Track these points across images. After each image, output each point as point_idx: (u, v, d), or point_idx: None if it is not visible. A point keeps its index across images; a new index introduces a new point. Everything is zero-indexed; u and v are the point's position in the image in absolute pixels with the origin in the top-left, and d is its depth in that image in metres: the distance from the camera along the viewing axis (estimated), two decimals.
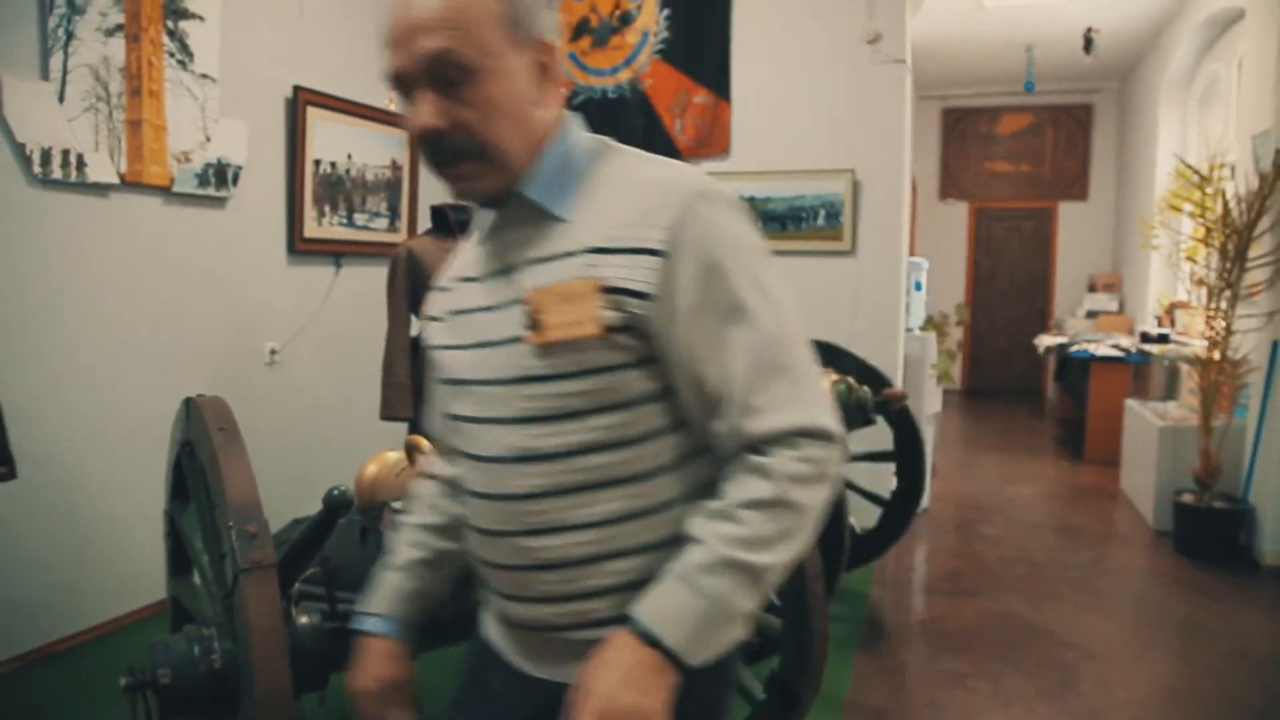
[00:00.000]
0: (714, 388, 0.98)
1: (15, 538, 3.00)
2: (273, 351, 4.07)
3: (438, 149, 1.00)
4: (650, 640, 0.91)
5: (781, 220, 4.44)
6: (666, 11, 4.56)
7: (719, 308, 0.97)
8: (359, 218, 4.51)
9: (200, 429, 1.89)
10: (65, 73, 3.11)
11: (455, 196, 1.06)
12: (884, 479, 3.77)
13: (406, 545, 1.26)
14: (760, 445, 0.96)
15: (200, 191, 3.64)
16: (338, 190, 4.35)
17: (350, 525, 2.41)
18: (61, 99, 3.10)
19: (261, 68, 3.89)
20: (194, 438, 1.98)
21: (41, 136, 3.05)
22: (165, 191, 3.51)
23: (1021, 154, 9.47)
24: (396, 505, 2.08)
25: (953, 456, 6.74)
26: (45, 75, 3.06)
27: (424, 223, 4.94)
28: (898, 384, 4.43)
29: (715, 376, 0.97)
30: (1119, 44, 7.39)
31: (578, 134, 1.08)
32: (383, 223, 4.66)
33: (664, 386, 1.01)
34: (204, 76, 3.61)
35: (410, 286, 3.48)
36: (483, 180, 1.02)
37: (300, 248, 4.16)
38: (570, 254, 1.00)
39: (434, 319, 1.18)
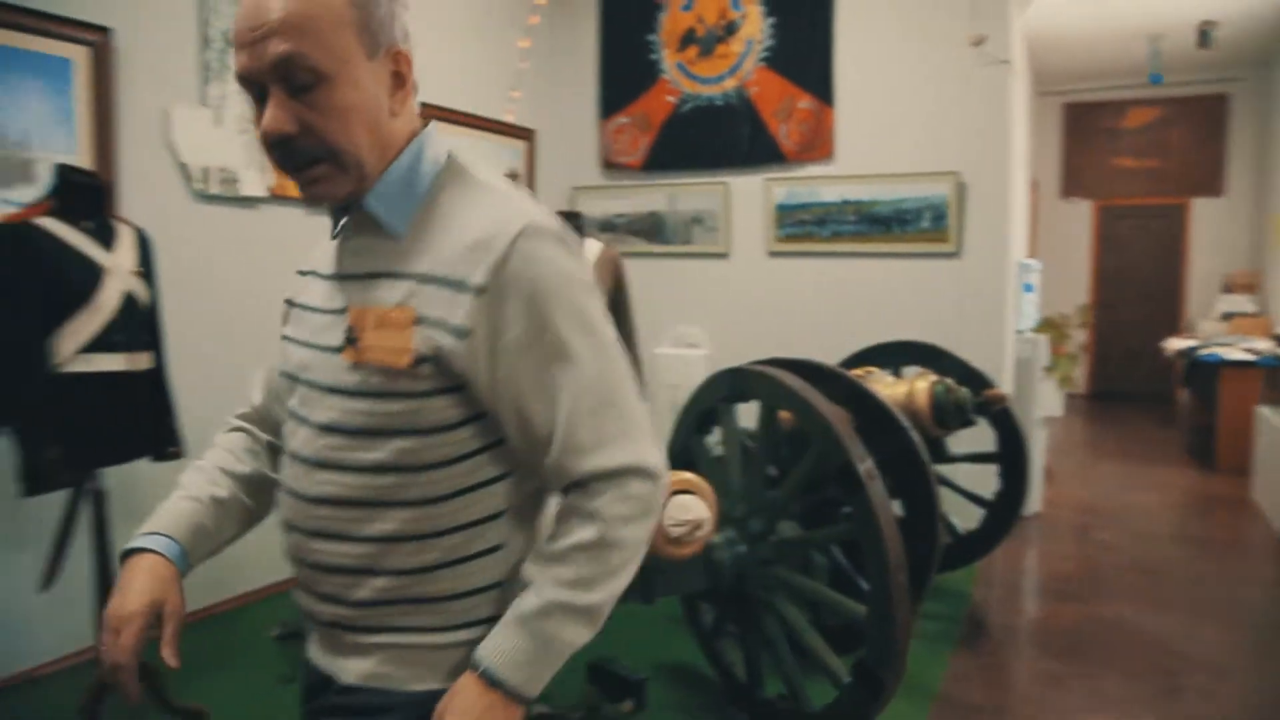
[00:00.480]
0: (541, 426, 1.00)
1: None
2: None
3: (286, 153, 0.99)
4: (495, 683, 0.98)
5: (886, 223, 4.47)
6: (771, 20, 4.66)
7: (544, 347, 0.99)
8: None
9: None
10: (223, 99, 3.47)
11: (307, 201, 1.05)
12: (988, 480, 3.76)
13: (206, 481, 1.18)
14: (588, 483, 1.01)
15: None
16: None
17: None
18: (218, 122, 3.46)
19: None
20: None
21: (201, 157, 3.42)
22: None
23: (1148, 149, 9.07)
24: None
25: (1072, 461, 6.56)
26: (205, 102, 3.42)
27: None
28: (1005, 387, 4.40)
29: (541, 414, 1.00)
30: (1251, 32, 7.03)
31: (432, 149, 1.08)
32: None
33: (464, 416, 1.02)
34: None
35: None
36: (334, 184, 1.01)
37: None
38: (398, 275, 1.02)
39: (287, 302, 1.19)
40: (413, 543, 1.03)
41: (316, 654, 1.13)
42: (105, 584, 2.61)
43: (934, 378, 3.42)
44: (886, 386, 3.45)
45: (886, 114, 4.48)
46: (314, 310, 1.10)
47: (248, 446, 1.24)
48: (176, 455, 2.77)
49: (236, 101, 3.51)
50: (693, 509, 1.93)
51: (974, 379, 3.58)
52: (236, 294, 3.58)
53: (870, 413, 2.98)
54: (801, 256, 4.73)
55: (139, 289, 2.60)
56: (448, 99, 4.50)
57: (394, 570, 1.03)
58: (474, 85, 4.70)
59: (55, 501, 2.55)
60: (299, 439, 1.08)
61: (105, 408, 2.52)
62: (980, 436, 3.70)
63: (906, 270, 4.47)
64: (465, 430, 1.02)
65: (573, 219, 3.78)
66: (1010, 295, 4.43)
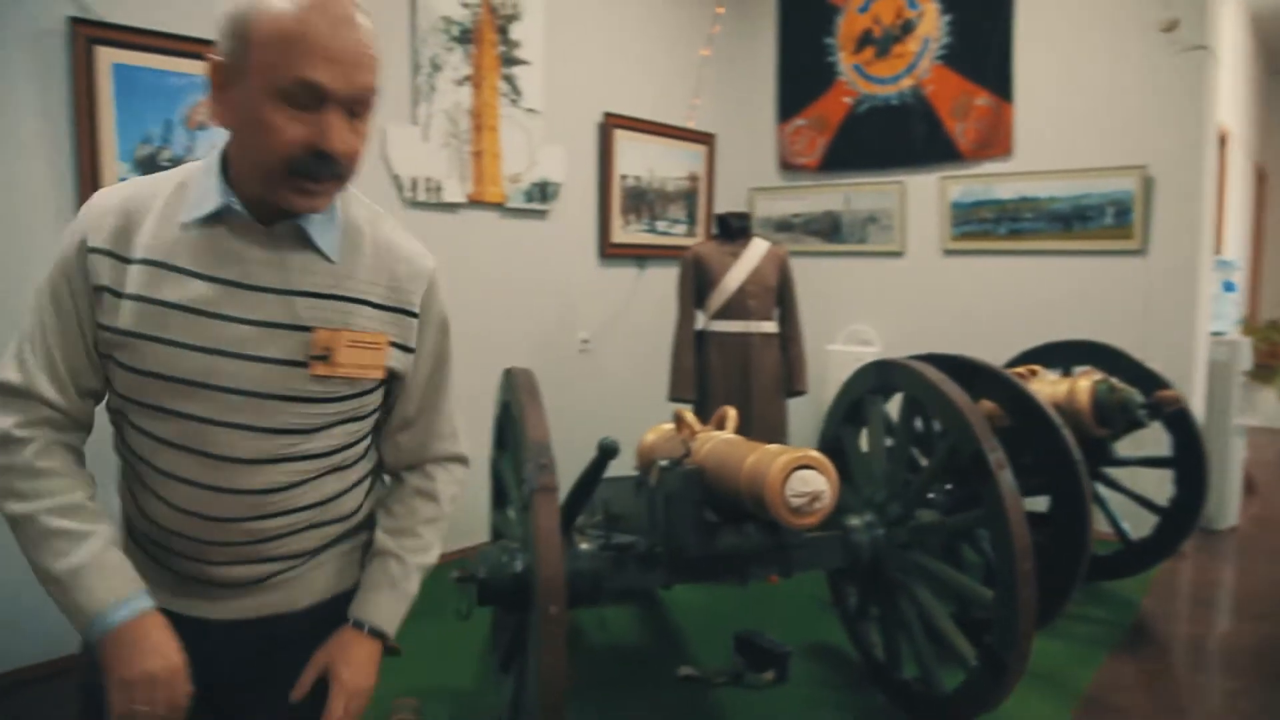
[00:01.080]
0: (417, 414, 1.32)
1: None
2: (584, 340, 4.75)
3: (325, 166, 1.07)
4: (378, 635, 1.30)
5: (1066, 220, 4.35)
6: (948, 17, 4.64)
7: (441, 360, 1.32)
8: (660, 224, 5.08)
9: (513, 391, 2.46)
10: (429, 118, 3.94)
11: (296, 208, 1.11)
12: (1163, 486, 3.61)
13: (105, 525, 1.15)
14: (428, 464, 1.36)
15: (527, 206, 4.38)
16: (641, 201, 4.95)
17: (629, 480, 2.91)
18: (425, 138, 3.94)
19: (577, 99, 4.57)
20: (509, 398, 2.58)
21: (410, 168, 3.90)
22: (500, 207, 4.28)
23: None
24: (664, 463, 2.50)
25: None
26: (414, 121, 3.90)
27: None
28: (1196, 391, 4.17)
29: (426, 407, 1.32)
30: None
31: None
32: (681, 229, 5.19)
33: (381, 398, 1.27)
34: (530, 110, 4.33)
35: (695, 286, 3.95)
36: (329, 199, 1.13)
37: (609, 252, 4.80)
38: (348, 299, 1.17)
39: (125, 296, 1.12)
40: (342, 496, 1.29)
41: (217, 611, 1.25)
42: None
43: (1098, 376, 3.36)
44: (1048, 385, 3.42)
45: (1068, 107, 4.36)
46: (217, 317, 1.12)
47: (79, 462, 1.20)
48: None
49: (440, 120, 3.98)
50: (812, 482, 2.09)
51: (1148, 380, 3.47)
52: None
53: (1023, 409, 3.00)
54: (977, 255, 4.68)
55: None
56: (633, 108, 4.82)
57: (332, 519, 1.29)
58: (657, 94, 4.99)
59: None
60: (224, 442, 1.14)
61: None
62: (1155, 440, 3.57)
63: (1087, 269, 4.33)
64: (378, 407, 1.29)
65: (741, 219, 3.98)
66: (1202, 295, 4.19)
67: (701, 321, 3.98)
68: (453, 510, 1.39)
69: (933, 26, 4.70)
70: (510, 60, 4.22)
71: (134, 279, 1.11)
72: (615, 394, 4.82)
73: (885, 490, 2.75)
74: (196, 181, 1.15)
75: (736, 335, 3.86)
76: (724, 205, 5.43)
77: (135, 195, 1.15)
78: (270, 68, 1.03)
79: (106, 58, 3.01)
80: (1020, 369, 3.53)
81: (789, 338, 4.01)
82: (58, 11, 2.91)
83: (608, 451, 2.32)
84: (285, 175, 1.06)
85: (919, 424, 3.10)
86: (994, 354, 3.91)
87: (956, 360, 3.19)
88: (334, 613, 1.30)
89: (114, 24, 3.01)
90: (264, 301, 1.13)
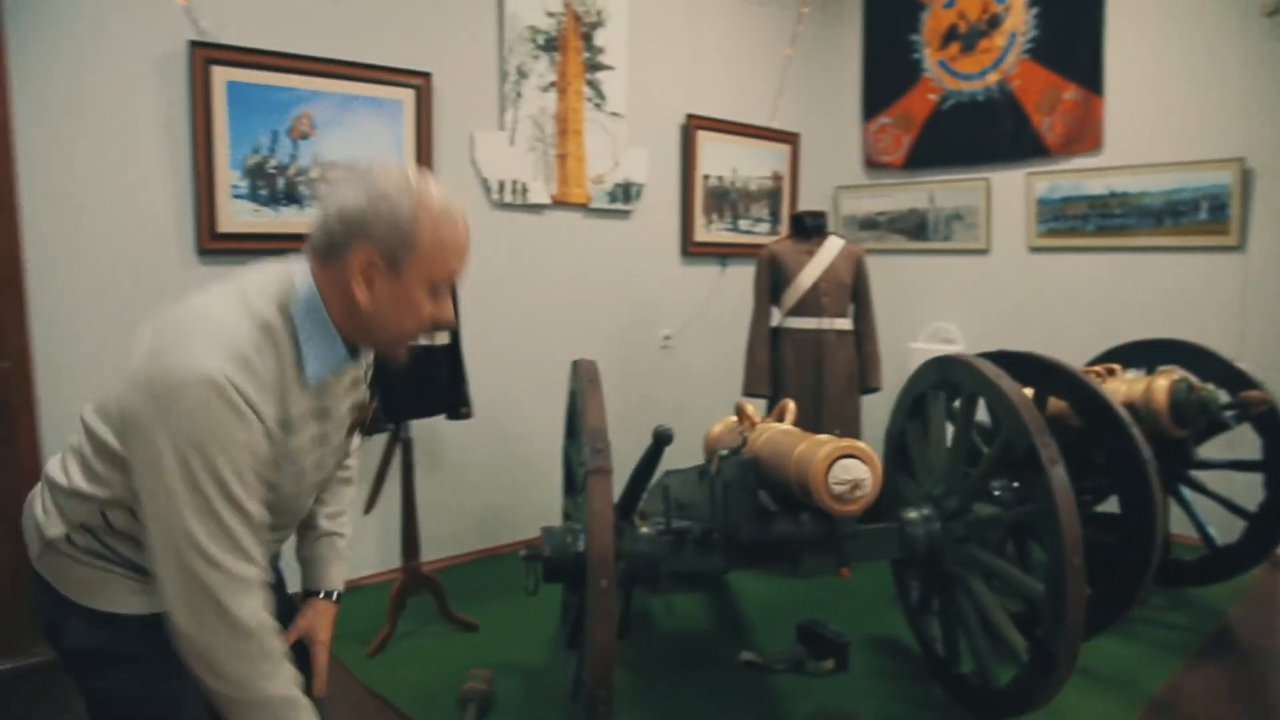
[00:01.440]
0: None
1: (473, 461, 4.09)
2: (666, 337, 4.88)
3: (433, 331, 1.41)
4: (338, 599, 1.72)
5: (1158, 215, 4.22)
6: (1035, 10, 4.56)
7: None
8: (743, 223, 5.16)
9: (578, 381, 2.61)
10: (515, 123, 4.14)
11: (393, 359, 1.41)
12: (1256, 491, 3.49)
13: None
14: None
15: (610, 206, 4.53)
16: (724, 200, 5.04)
17: (694, 469, 3.02)
18: (512, 142, 4.14)
19: (659, 102, 4.70)
20: (575, 388, 2.73)
21: (498, 171, 4.11)
22: (584, 208, 4.45)
23: None
24: (723, 452, 2.61)
25: None
26: (501, 126, 4.11)
27: None
28: None
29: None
30: None
31: None
32: (764, 227, 5.26)
33: None
34: (614, 114, 4.48)
35: (771, 283, 4.03)
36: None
37: (691, 250, 4.92)
38: (361, 382, 1.59)
39: (275, 454, 1.33)
40: None
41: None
42: (410, 512, 3.31)
43: (1178, 375, 3.28)
44: (1125, 384, 3.36)
45: (1161, 99, 4.23)
46: (326, 442, 1.46)
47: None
48: (467, 415, 3.42)
49: (526, 125, 4.17)
50: (854, 470, 2.16)
51: (1236, 380, 3.37)
52: (523, 284, 4.25)
53: (1092, 408, 2.97)
54: (1064, 252, 4.59)
55: None
56: (715, 109, 4.92)
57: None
58: (740, 94, 5.08)
59: (375, 446, 3.29)
60: (287, 509, 1.46)
61: (411, 374, 3.19)
62: (1244, 442, 3.46)
63: (1180, 266, 4.19)
64: None
65: (816, 217, 4.03)
66: None
67: (777, 318, 4.05)
68: None
69: (1019, 20, 4.63)
70: (594, 66, 4.39)
71: (275, 436, 1.29)
72: (695, 389, 4.93)
73: (944, 484, 2.77)
74: (307, 340, 1.31)
75: (810, 332, 3.92)
76: (808, 204, 5.47)
77: (252, 363, 1.23)
78: (428, 269, 1.30)
79: (221, 76, 3.30)
80: (1097, 368, 3.48)
81: (864, 334, 4.03)
82: (180, 36, 3.22)
83: (662, 438, 2.45)
84: (410, 340, 1.37)
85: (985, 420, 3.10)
86: (1081, 353, 3.87)
87: (1026, 357, 3.17)
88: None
89: (228, 45, 3.30)
90: (344, 409, 1.50)
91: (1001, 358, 3.27)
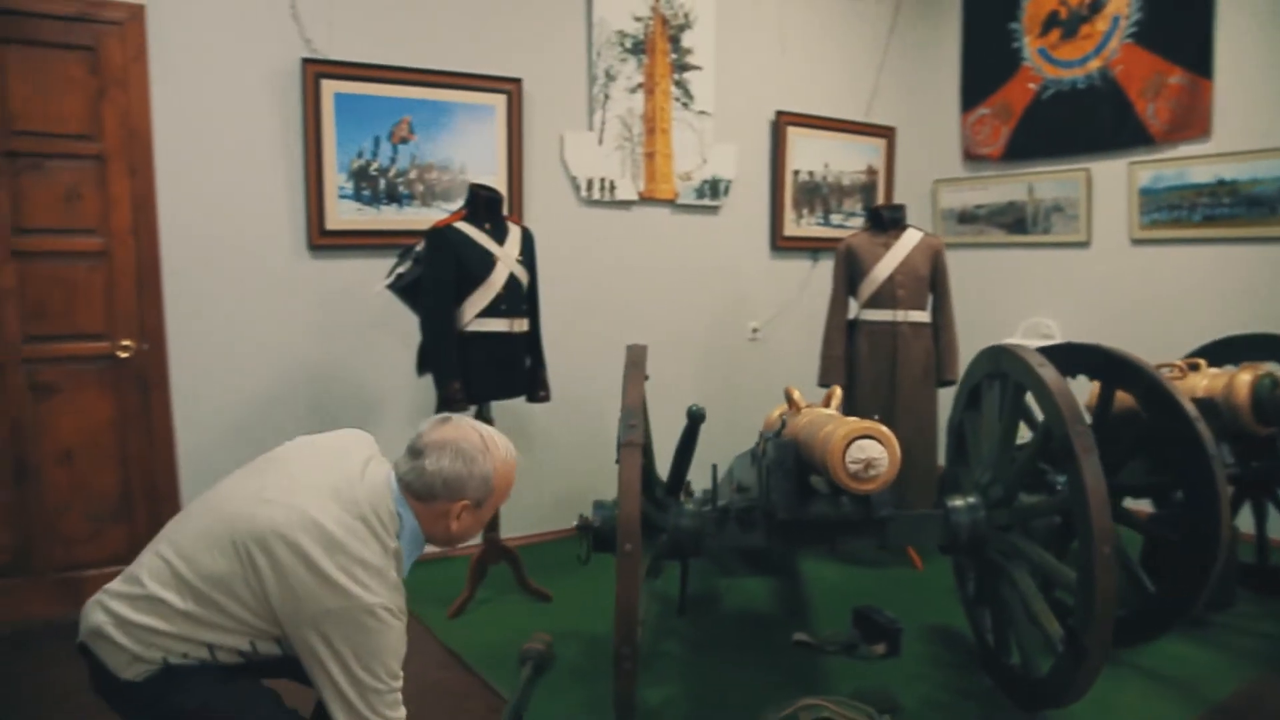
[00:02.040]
0: None
1: (556, 444, 4.33)
2: (754, 329, 4.98)
3: None
4: None
5: (1270, 204, 3.99)
6: None
7: None
8: (835, 217, 5.19)
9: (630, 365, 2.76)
10: (603, 123, 4.35)
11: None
12: None
13: None
14: None
15: (698, 202, 4.68)
16: (815, 194, 5.10)
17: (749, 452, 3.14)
18: (600, 142, 4.35)
19: (748, 100, 4.80)
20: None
21: (587, 170, 4.32)
22: (671, 204, 4.61)
23: None
24: (768, 435, 2.72)
25: None
26: (590, 127, 4.32)
27: None
28: None
29: None
30: None
31: None
32: (857, 221, 5.26)
33: None
34: (702, 113, 4.62)
35: (848, 276, 4.08)
36: None
37: (780, 244, 5.00)
38: None
39: None
40: None
41: None
42: None
43: (1264, 370, 3.14)
44: (1208, 378, 3.25)
45: (1275, 82, 4.00)
46: None
47: None
48: (545, 399, 3.66)
49: (614, 125, 4.37)
50: (868, 450, 2.23)
51: None
52: (610, 277, 4.45)
53: (1158, 402, 2.90)
54: (1168, 244, 4.40)
55: (519, 272, 3.49)
56: (806, 105, 4.98)
57: None
58: (833, 90, 5.11)
59: None
60: None
61: (493, 358, 3.45)
62: None
63: None
64: None
65: (893, 210, 4.05)
66: None
67: (854, 310, 4.09)
68: None
69: (1123, 3, 4.47)
70: (682, 66, 4.54)
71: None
72: (782, 380, 4.96)
73: (990, 473, 2.79)
74: (405, 552, 1.76)
75: (885, 324, 3.94)
76: (904, 197, 5.43)
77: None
78: (496, 503, 1.83)
79: (329, 88, 3.66)
80: (1177, 362, 3.36)
81: (941, 326, 4.02)
82: (294, 54, 3.59)
83: (695, 417, 2.60)
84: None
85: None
86: (1183, 347, 3.73)
87: (1093, 349, 3.12)
88: None
89: (335, 60, 3.65)
90: None
91: (1069, 349, 3.24)
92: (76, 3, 3.23)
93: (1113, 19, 4.52)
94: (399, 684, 1.69)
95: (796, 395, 2.90)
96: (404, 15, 3.83)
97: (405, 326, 3.56)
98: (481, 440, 1.77)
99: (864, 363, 3.98)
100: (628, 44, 4.37)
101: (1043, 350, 3.29)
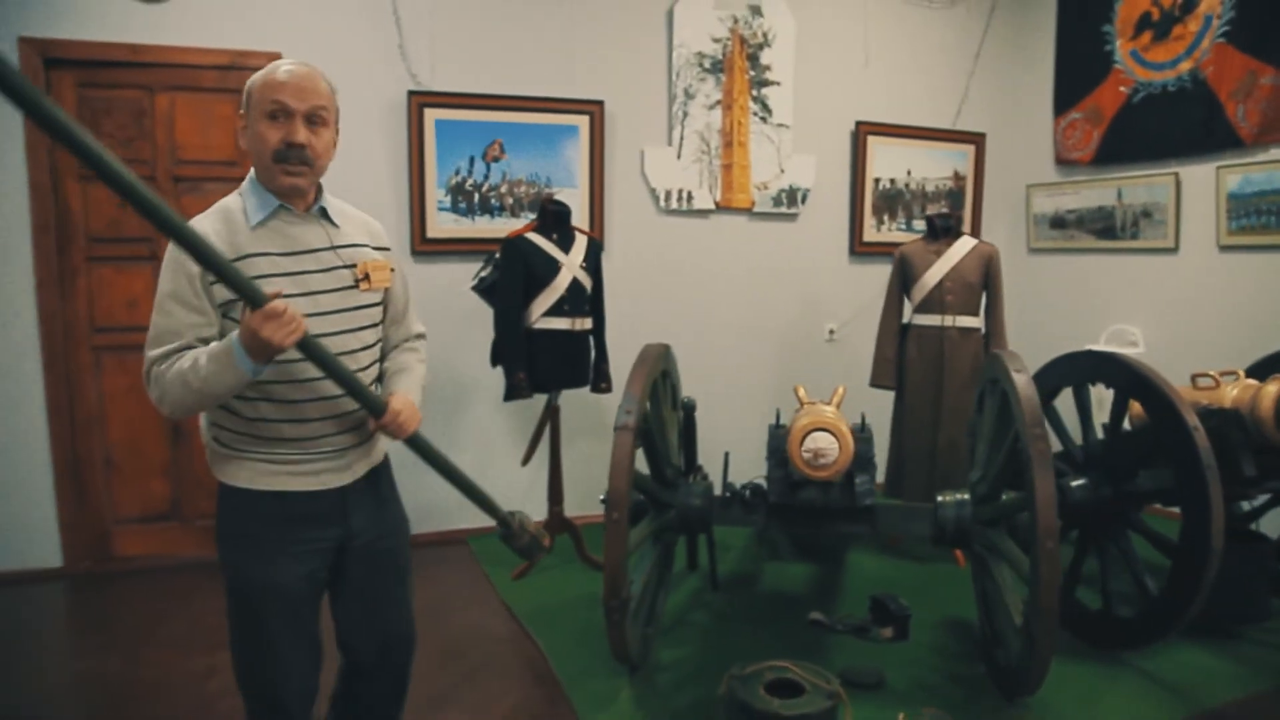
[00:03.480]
0: (401, 312, 2.05)
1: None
2: (831, 331, 5.20)
3: (295, 155, 1.76)
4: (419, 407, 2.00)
5: None
6: None
7: (404, 278, 2.06)
8: (918, 223, 5.31)
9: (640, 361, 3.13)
10: (682, 139, 4.72)
11: (278, 188, 1.78)
12: None
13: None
14: (414, 338, 2.10)
15: (775, 210, 4.96)
16: (896, 201, 5.25)
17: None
18: (679, 156, 4.72)
19: (827, 112, 5.02)
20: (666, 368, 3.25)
21: (665, 182, 4.71)
22: (748, 212, 4.91)
23: None
24: (775, 428, 3.04)
25: None
26: (669, 142, 4.70)
27: (988, 225, 5.51)
28: None
29: (405, 307, 2.06)
30: None
31: None
32: None
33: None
34: (780, 125, 4.90)
35: (901, 281, 4.26)
36: (305, 181, 1.80)
37: (859, 250, 5.19)
38: (357, 245, 1.92)
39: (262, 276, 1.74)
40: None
41: (337, 478, 1.92)
42: (556, 464, 4.03)
43: None
44: (1238, 389, 3.25)
45: None
46: (300, 273, 1.81)
47: None
48: (606, 390, 4.08)
49: (692, 140, 4.73)
50: (819, 442, 2.50)
51: None
52: (684, 279, 4.81)
53: (1159, 409, 2.97)
54: (1257, 250, 4.28)
55: (583, 277, 3.93)
56: (888, 115, 5.14)
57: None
58: (918, 99, 5.24)
59: (533, 412, 4.04)
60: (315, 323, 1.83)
61: (556, 353, 3.90)
62: None
63: None
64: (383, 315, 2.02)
65: (945, 219, 4.18)
66: None
67: (908, 315, 4.26)
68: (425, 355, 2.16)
69: (1215, 2, 4.38)
70: (760, 83, 4.83)
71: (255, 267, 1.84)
72: (858, 380, 5.18)
73: (980, 471, 2.97)
74: (246, 198, 1.83)
75: (933, 329, 4.09)
76: (995, 202, 5.48)
77: (200, 223, 1.80)
78: (260, 103, 1.78)
79: (431, 115, 4.23)
80: (1213, 372, 3.37)
81: (992, 333, 4.13)
82: (401, 88, 4.18)
83: (687, 408, 2.94)
84: (274, 165, 1.78)
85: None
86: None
87: (1106, 358, 3.21)
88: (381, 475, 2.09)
89: (437, 91, 4.22)
90: (324, 261, 1.87)
91: (1086, 358, 3.34)
92: (229, 54, 3.94)
93: (1205, 18, 4.43)
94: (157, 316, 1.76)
95: (802, 393, 3.18)
96: (496, 49, 4.35)
97: (490, 322, 4.07)
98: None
99: (913, 365, 4.15)
100: (706, 64, 4.71)
101: (1063, 358, 3.42)
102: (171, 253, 1.74)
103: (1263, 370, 3.60)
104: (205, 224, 1.78)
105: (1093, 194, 5.05)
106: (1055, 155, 5.26)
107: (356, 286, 1.90)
